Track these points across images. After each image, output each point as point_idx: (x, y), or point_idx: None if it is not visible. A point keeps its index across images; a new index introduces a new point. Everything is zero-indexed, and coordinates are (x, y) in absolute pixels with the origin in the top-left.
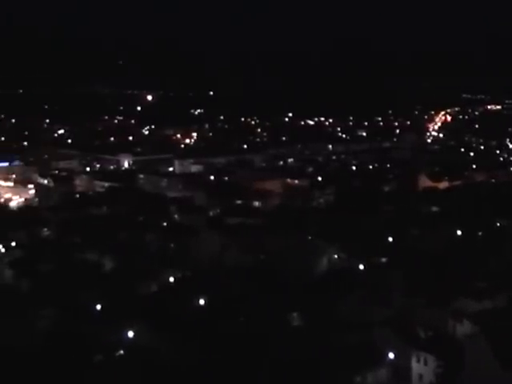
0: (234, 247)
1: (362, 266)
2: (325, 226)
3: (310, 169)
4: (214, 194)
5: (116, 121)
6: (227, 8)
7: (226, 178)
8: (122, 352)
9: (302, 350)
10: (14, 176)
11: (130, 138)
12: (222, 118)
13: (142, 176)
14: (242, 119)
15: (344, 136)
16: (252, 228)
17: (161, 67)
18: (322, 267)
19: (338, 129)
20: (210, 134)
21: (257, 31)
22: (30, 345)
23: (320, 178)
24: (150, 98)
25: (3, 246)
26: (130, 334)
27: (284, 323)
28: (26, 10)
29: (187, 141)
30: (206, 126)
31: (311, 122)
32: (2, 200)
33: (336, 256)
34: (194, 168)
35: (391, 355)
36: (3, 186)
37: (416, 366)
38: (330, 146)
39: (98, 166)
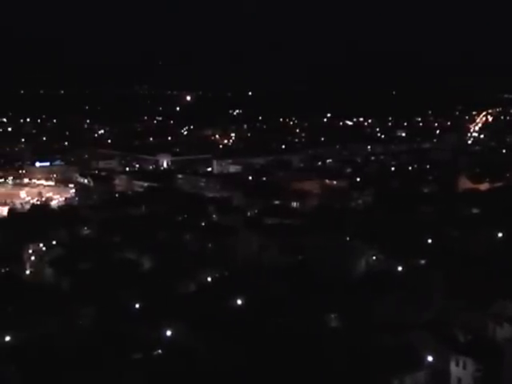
0: (272, 247)
1: (400, 268)
2: (363, 227)
3: (349, 169)
4: (252, 194)
5: (155, 121)
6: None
7: (264, 179)
8: (160, 351)
9: (340, 352)
10: (55, 176)
11: (169, 138)
12: (260, 118)
13: (180, 176)
14: (281, 119)
15: (383, 136)
16: (290, 228)
17: (200, 67)
18: (360, 268)
19: (377, 129)
20: (249, 135)
21: (296, 29)
22: (71, 342)
23: (358, 179)
24: (188, 98)
25: (44, 245)
26: (168, 333)
27: (322, 324)
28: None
29: (226, 141)
30: (245, 126)
31: (350, 123)
32: (44, 199)
33: (374, 257)
34: (233, 168)
35: (430, 358)
36: (45, 186)
37: (455, 370)
38: (369, 147)
39: (137, 165)
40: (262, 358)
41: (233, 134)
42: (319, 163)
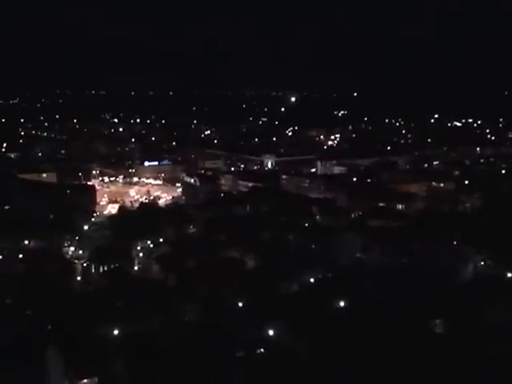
0: (376, 250)
1: (510, 275)
2: (471, 232)
3: (457, 172)
4: (356, 195)
5: (260, 122)
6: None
7: (369, 180)
8: (262, 350)
9: (445, 360)
10: (163, 175)
11: (274, 138)
12: (365, 119)
13: (284, 176)
14: (386, 120)
15: (493, 138)
16: (395, 231)
17: (305, 68)
18: (468, 274)
19: (487, 131)
20: (354, 135)
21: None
22: (176, 338)
23: (467, 182)
24: (293, 99)
25: (152, 242)
26: (271, 332)
27: (426, 330)
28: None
29: (330, 142)
30: (350, 127)
31: (458, 124)
32: (152, 197)
33: (483, 263)
34: (337, 169)
35: None
36: (153, 185)
37: None
38: (478, 149)
39: (242, 166)
40: (363, 361)
41: (337, 135)
42: (426, 165)
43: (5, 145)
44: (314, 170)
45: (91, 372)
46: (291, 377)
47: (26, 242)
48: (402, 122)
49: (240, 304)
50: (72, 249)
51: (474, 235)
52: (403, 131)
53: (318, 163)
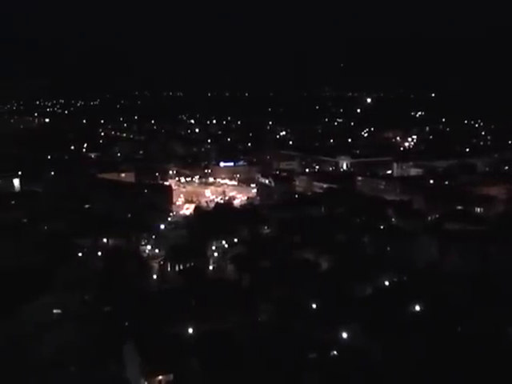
0: (454, 253)
1: None
2: None
3: None
4: (433, 198)
5: (335, 123)
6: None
7: (447, 183)
8: (335, 352)
9: None
10: (238, 175)
11: (349, 139)
12: (443, 120)
13: (360, 178)
14: (465, 121)
15: None
16: (473, 235)
17: (382, 68)
18: None
19: None
20: (431, 137)
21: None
22: (250, 337)
23: None
24: (369, 100)
25: (226, 242)
26: (344, 334)
27: (505, 336)
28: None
29: (407, 144)
30: (427, 128)
31: None
32: (227, 198)
33: None
34: (414, 171)
35: None
36: (228, 185)
37: None
38: None
39: (316, 167)
40: (439, 366)
41: (414, 136)
42: (506, 168)
43: (85, 145)
44: (389, 171)
45: (167, 369)
46: (363, 379)
47: (105, 240)
48: (482, 124)
49: (314, 305)
50: (149, 247)
51: None
52: (482, 133)
53: (394, 165)
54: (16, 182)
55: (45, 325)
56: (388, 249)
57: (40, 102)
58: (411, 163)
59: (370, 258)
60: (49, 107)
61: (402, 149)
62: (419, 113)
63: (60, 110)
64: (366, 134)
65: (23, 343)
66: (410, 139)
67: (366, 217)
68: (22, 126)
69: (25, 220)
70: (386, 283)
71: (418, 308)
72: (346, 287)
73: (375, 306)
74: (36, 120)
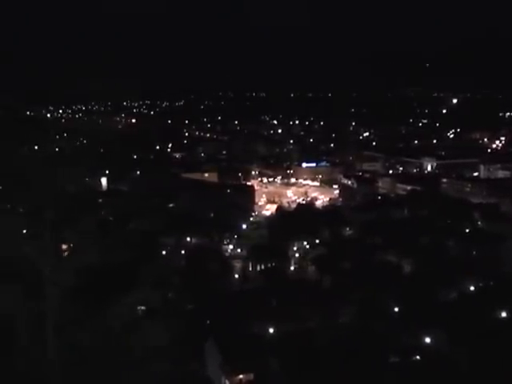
0: None
1: None
2: None
3: None
4: None
5: (420, 124)
6: None
7: None
8: (418, 357)
9: None
10: (320, 176)
11: (434, 141)
12: None
13: (445, 180)
14: None
15: None
16: None
17: (469, 68)
18: None
19: None
20: None
21: None
22: (331, 339)
23: None
24: (455, 100)
25: (308, 243)
26: (427, 339)
27: None
28: None
29: (494, 145)
30: None
31: None
32: (309, 199)
33: None
34: (501, 173)
35: None
36: (310, 186)
37: None
38: None
39: (400, 168)
40: None
41: (502, 138)
42: None
43: (170, 145)
44: (476, 173)
45: (247, 368)
46: None
47: (188, 239)
48: None
49: (396, 309)
50: (231, 247)
51: None
52: None
53: (481, 167)
54: (104, 181)
55: (131, 323)
56: (474, 252)
57: (127, 103)
58: (499, 165)
59: (454, 261)
60: (135, 108)
61: (489, 150)
62: (508, 113)
63: (146, 111)
64: (451, 135)
65: (113, 342)
66: (497, 141)
67: (450, 219)
68: (109, 127)
69: (111, 218)
70: (472, 288)
71: (504, 314)
72: (430, 291)
73: (460, 311)
74: (123, 120)
